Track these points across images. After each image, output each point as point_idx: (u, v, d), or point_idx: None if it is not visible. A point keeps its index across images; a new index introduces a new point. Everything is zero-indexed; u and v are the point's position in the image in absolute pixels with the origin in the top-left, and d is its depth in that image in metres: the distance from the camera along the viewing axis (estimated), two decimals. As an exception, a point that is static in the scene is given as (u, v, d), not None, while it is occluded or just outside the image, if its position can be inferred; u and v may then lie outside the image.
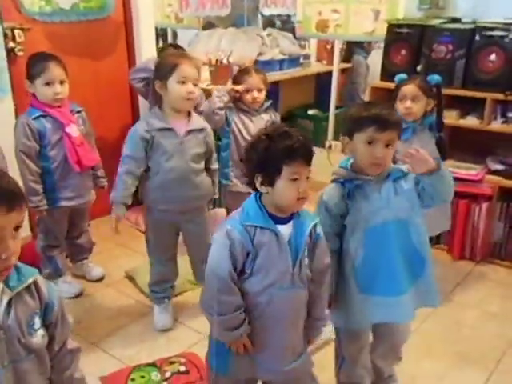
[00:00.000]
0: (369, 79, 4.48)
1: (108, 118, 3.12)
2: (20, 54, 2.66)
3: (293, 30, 4.35)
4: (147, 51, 3.30)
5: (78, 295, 2.56)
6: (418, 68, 2.86)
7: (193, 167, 2.14)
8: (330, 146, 3.91)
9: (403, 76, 2.40)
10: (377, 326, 1.75)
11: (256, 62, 3.89)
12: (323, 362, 2.05)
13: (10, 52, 2.63)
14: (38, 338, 1.08)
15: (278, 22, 4.81)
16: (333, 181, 1.61)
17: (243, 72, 2.66)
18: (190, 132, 2.11)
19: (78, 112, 2.44)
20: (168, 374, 1.95)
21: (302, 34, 3.87)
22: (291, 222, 1.40)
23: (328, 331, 2.13)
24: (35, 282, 1.09)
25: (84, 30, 3.02)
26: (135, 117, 3.39)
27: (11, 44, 2.63)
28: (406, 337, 1.82)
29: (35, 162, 2.30)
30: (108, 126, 3.11)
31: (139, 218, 3.35)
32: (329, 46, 4.35)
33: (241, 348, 1.42)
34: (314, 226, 1.44)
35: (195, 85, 2.05)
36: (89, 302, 2.52)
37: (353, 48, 4.64)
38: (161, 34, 4.37)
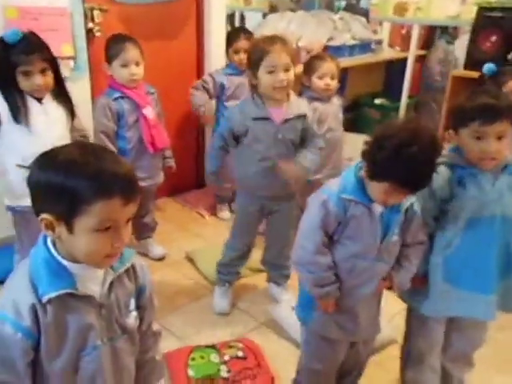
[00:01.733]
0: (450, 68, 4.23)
1: (175, 100, 3.12)
2: (98, 34, 2.70)
3: (365, 14, 4.21)
4: (217, 34, 3.26)
5: (160, 259, 2.64)
6: (510, 56, 2.67)
7: (288, 155, 2.05)
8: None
9: (492, 66, 2.21)
10: (453, 322, 1.65)
11: (326, 47, 3.79)
12: (386, 363, 1.98)
13: (89, 32, 2.67)
14: (132, 319, 1.10)
15: (342, 4, 4.62)
16: (440, 163, 1.48)
17: (317, 58, 2.59)
18: (286, 121, 2.02)
19: (152, 93, 2.47)
20: (227, 358, 1.93)
21: (377, 18, 3.71)
22: None
23: (390, 331, 2.06)
24: (133, 265, 1.10)
25: (159, 11, 3.02)
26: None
27: (90, 24, 2.67)
28: (481, 342, 1.70)
29: (114, 143, 2.36)
30: (175, 107, 3.12)
31: (200, 201, 3.37)
32: (403, 31, 4.16)
33: (327, 307, 1.48)
34: (411, 205, 1.43)
35: (287, 70, 1.94)
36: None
37: (436, 33, 4.38)
38: (228, 18, 4.33)
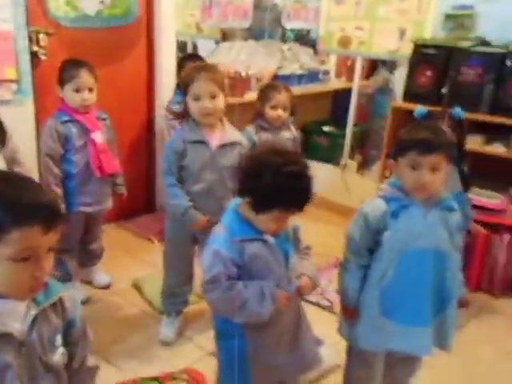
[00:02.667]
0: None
1: (125, 124, 3.10)
2: (43, 57, 2.66)
3: (312, 45, 4.35)
4: (168, 60, 3.29)
5: (85, 302, 2.50)
6: (443, 90, 2.81)
7: (222, 180, 2.08)
8: (344, 165, 3.86)
9: (423, 110, 2.31)
10: (390, 354, 1.68)
11: (275, 76, 3.88)
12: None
13: (34, 55, 2.63)
14: (58, 356, 1.05)
15: (291, 35, 4.76)
16: (378, 197, 1.57)
17: (272, 88, 2.63)
18: (222, 146, 2.05)
19: (103, 119, 2.45)
20: (171, 391, 1.90)
21: (323, 49, 3.84)
22: None
23: (333, 356, 2.09)
24: (61, 299, 1.05)
25: (106, 36, 3.02)
26: (151, 124, 3.38)
27: (35, 47, 2.63)
28: (417, 370, 1.75)
29: (58, 166, 2.32)
30: (125, 132, 3.10)
31: (150, 226, 3.32)
32: (349, 63, 4.32)
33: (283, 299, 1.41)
34: (293, 229, 1.47)
35: (213, 97, 1.98)
36: (94, 310, 2.46)
37: (376, 65, 4.57)
38: (180, 45, 4.36)
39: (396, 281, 1.52)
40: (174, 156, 2.05)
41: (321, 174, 3.74)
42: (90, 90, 2.32)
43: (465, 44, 2.86)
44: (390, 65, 4.26)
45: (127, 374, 2.03)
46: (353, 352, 1.71)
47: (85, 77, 2.29)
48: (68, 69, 2.30)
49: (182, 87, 2.05)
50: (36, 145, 2.64)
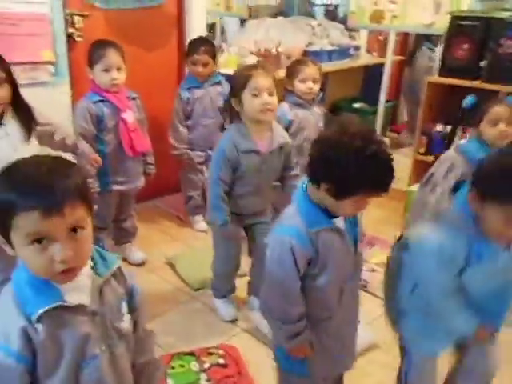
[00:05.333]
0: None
1: (155, 104, 3.11)
2: (78, 39, 2.69)
3: (341, 21, 4.27)
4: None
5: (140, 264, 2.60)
6: (482, 64, 2.73)
7: (268, 182, 2.13)
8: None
9: (472, 99, 2.21)
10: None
11: (305, 52, 3.83)
12: (366, 367, 2.01)
13: (69, 38, 2.66)
14: (127, 322, 1.09)
15: (319, 11, 4.67)
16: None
17: (299, 62, 2.61)
18: (272, 152, 2.06)
19: (134, 99, 2.48)
20: (207, 366, 1.94)
21: (354, 25, 3.76)
22: None
23: (369, 336, 2.10)
24: (119, 269, 1.09)
25: (139, 17, 3.02)
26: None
27: (71, 30, 2.66)
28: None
29: (92, 146, 2.36)
30: (155, 112, 3.11)
31: (180, 205, 3.36)
32: (381, 38, 4.23)
33: (302, 353, 1.40)
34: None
35: (271, 94, 1.96)
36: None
37: (420, 40, 4.45)
38: (209, 26, 4.32)
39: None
40: (227, 163, 2.01)
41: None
42: (119, 69, 2.34)
43: (504, 14, 2.76)
44: (433, 40, 4.16)
45: (165, 350, 2.07)
46: (411, 359, 1.62)
47: (112, 56, 2.31)
48: (96, 49, 2.33)
49: (235, 87, 2.00)
50: (72, 126, 2.68)
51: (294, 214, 1.31)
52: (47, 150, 1.97)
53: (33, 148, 1.86)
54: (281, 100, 2.58)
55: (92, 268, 1.02)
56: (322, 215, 1.29)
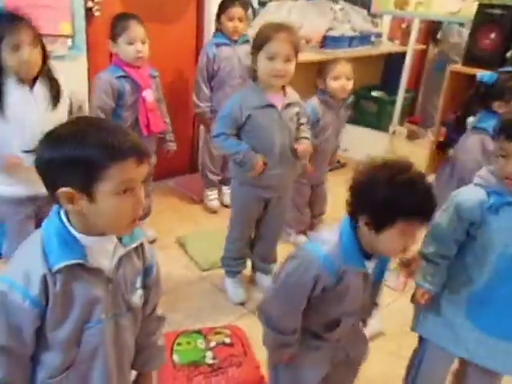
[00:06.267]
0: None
1: (172, 82, 3.10)
2: (97, 14, 2.68)
3: (364, 6, 4.19)
4: (216, 3, 3.20)
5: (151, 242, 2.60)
6: (508, 54, 2.66)
7: (290, 143, 2.08)
8: (393, 132, 3.77)
9: (492, 75, 2.10)
10: (467, 363, 1.55)
11: (325, 37, 3.78)
12: (373, 356, 1.99)
13: (88, 11, 2.65)
14: (137, 297, 1.11)
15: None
16: (475, 184, 1.40)
17: (330, 61, 2.55)
18: (287, 106, 2.04)
19: (154, 77, 2.46)
20: (213, 344, 1.95)
21: (378, 11, 3.70)
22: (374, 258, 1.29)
23: (377, 324, 2.09)
24: (141, 244, 1.11)
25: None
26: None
27: (90, 3, 2.64)
28: None
29: (109, 120, 2.34)
30: (171, 90, 3.10)
31: (193, 185, 3.37)
32: (404, 25, 4.15)
33: (281, 361, 1.41)
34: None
35: (287, 60, 1.93)
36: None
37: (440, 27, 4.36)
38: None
39: (489, 285, 1.39)
40: (230, 121, 2.01)
41: (369, 140, 3.68)
42: (143, 42, 2.32)
43: (536, 4, 2.70)
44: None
45: (173, 327, 2.09)
46: (427, 342, 1.58)
47: (136, 29, 2.30)
48: (119, 23, 2.31)
49: (255, 44, 1.99)
50: (88, 99, 2.68)
51: (334, 244, 1.25)
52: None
53: (58, 116, 1.80)
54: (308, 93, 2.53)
55: (118, 237, 1.05)
56: (359, 255, 1.25)
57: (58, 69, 2.24)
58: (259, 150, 2.03)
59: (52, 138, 0.95)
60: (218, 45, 2.83)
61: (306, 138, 2.14)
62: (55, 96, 1.83)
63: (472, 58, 2.76)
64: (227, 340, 1.98)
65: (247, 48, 2.70)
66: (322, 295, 1.28)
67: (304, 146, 2.10)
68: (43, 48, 1.78)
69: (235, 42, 2.83)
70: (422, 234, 1.28)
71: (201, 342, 1.96)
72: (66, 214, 0.99)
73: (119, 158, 0.93)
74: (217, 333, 2.02)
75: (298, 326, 1.35)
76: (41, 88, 1.81)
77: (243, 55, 2.77)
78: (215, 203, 3.15)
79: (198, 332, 2.01)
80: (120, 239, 1.05)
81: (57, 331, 1.00)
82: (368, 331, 1.90)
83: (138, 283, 1.11)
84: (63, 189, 0.93)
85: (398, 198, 1.14)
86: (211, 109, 2.88)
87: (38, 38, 1.75)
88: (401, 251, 1.21)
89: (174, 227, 2.89)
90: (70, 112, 1.95)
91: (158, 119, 2.46)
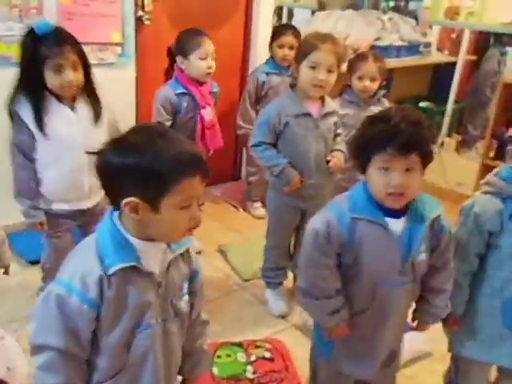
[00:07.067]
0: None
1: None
2: (147, 22, 2.72)
3: (413, 15, 4.12)
4: (264, 27, 3.24)
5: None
6: None
7: (327, 152, 2.06)
8: (442, 143, 3.66)
9: None
10: (502, 370, 1.53)
11: (372, 47, 3.71)
12: (419, 376, 1.93)
13: (138, 20, 2.69)
14: (184, 302, 1.12)
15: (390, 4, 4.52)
16: (486, 193, 1.38)
17: (359, 58, 2.48)
18: (324, 115, 2.03)
19: (214, 93, 2.46)
20: (253, 358, 1.92)
21: (428, 21, 3.62)
22: (406, 215, 1.25)
23: (424, 343, 2.01)
24: (188, 250, 1.13)
25: (206, 1, 3.02)
26: (243, 92, 3.36)
27: (140, 12, 2.69)
28: None
29: None
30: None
31: (235, 194, 3.36)
32: (453, 35, 4.04)
33: (339, 334, 1.37)
34: (437, 217, 1.28)
35: (330, 71, 1.92)
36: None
37: (488, 40, 4.24)
38: (276, 11, 4.28)
39: None
40: (268, 128, 2.00)
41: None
42: (213, 57, 2.33)
43: None
44: (504, 42, 3.95)
45: (212, 338, 2.06)
46: (461, 360, 1.55)
47: (209, 44, 2.31)
48: (192, 38, 2.31)
49: (299, 52, 2.00)
50: (135, 107, 2.72)
51: (345, 196, 1.32)
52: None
53: (101, 133, 1.81)
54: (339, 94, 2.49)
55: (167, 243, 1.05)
56: (371, 206, 1.25)
57: (107, 76, 2.28)
58: (295, 158, 2.02)
59: (122, 146, 0.95)
60: (268, 73, 2.89)
61: (339, 150, 2.10)
62: (97, 114, 1.83)
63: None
64: (267, 354, 1.95)
65: None
66: (345, 260, 1.29)
67: (335, 160, 2.06)
68: (87, 67, 1.78)
69: (286, 69, 2.84)
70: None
71: (241, 356, 1.93)
72: (119, 216, 1.00)
73: (190, 174, 0.95)
74: (257, 346, 1.99)
75: (339, 287, 1.33)
76: (83, 107, 1.81)
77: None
78: (261, 211, 3.14)
79: (239, 345, 1.98)
80: (168, 245, 1.06)
81: (109, 335, 1.00)
82: (413, 351, 1.84)
83: (185, 288, 1.12)
84: (130, 198, 0.94)
85: (366, 132, 1.22)
86: None
87: (82, 59, 1.75)
88: (388, 193, 1.20)
89: (216, 236, 2.88)
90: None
91: (215, 137, 2.45)
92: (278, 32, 2.91)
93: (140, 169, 0.92)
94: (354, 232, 1.25)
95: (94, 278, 0.96)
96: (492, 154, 3.07)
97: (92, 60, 2.47)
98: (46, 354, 0.97)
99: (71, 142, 1.76)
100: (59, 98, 1.76)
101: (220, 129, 2.73)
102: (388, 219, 1.24)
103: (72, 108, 1.79)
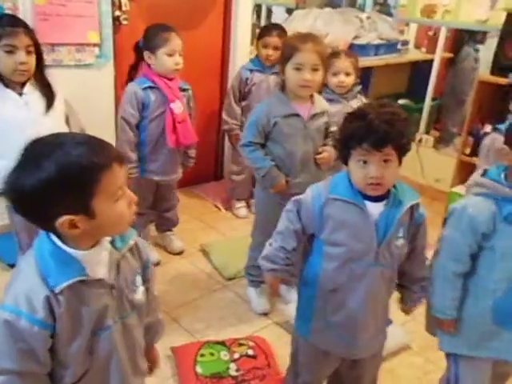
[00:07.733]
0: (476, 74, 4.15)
1: (198, 91, 3.09)
2: (124, 22, 2.70)
3: (390, 14, 4.16)
4: (243, 26, 3.26)
5: (155, 265, 2.54)
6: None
7: (314, 152, 2.08)
8: (420, 140, 3.71)
9: None
10: (501, 366, 1.54)
11: (351, 45, 3.74)
12: (398, 369, 1.96)
13: (115, 20, 2.67)
14: (140, 294, 1.12)
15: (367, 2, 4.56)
16: (477, 194, 1.39)
17: (333, 55, 2.51)
18: (313, 116, 2.04)
19: (185, 90, 2.43)
20: (236, 356, 1.93)
21: (404, 19, 3.66)
22: (385, 200, 1.33)
23: (403, 337, 2.05)
24: (135, 243, 1.13)
25: (185, 1, 3.01)
26: (223, 91, 3.37)
27: (117, 12, 2.67)
28: None
29: (134, 131, 2.32)
30: (197, 98, 3.11)
31: (217, 194, 3.36)
32: (431, 33, 4.10)
33: (272, 284, 1.51)
34: (416, 205, 1.36)
35: (314, 70, 1.94)
36: (164, 272, 2.52)
37: (463, 38, 4.30)
38: (255, 9, 4.29)
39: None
40: (257, 128, 2.03)
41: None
42: (180, 54, 2.30)
43: None
44: (477, 39, 4.01)
45: (195, 337, 2.08)
46: (459, 359, 1.53)
47: (177, 40, 2.28)
48: (159, 33, 2.27)
49: (283, 55, 2.02)
50: (114, 107, 2.70)
51: (328, 180, 1.41)
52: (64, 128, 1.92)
53: (53, 122, 1.82)
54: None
55: (110, 243, 1.05)
56: (351, 189, 1.33)
57: (85, 77, 2.27)
58: (282, 157, 2.05)
59: (32, 164, 0.90)
60: (251, 70, 2.93)
61: (332, 146, 2.11)
62: (48, 102, 1.84)
63: (500, 67, 2.72)
64: (250, 352, 1.96)
65: (277, 79, 2.72)
66: (321, 235, 1.38)
67: (325, 154, 2.09)
68: (40, 55, 1.81)
69: (270, 67, 2.89)
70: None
71: (225, 354, 1.94)
72: (57, 235, 0.97)
73: (105, 167, 0.93)
74: (240, 344, 2.00)
75: (291, 248, 1.45)
76: (32, 92, 1.82)
77: (272, 84, 2.83)
78: (243, 211, 3.17)
79: (222, 343, 1.99)
80: (113, 245, 1.06)
81: (70, 346, 1.00)
82: (392, 344, 1.87)
83: (139, 281, 1.12)
84: (63, 218, 0.91)
85: (344, 129, 1.31)
86: (239, 126, 2.97)
87: (36, 45, 1.78)
88: (367, 183, 1.29)
89: (198, 235, 2.88)
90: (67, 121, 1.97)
91: (187, 131, 2.41)
92: (263, 32, 2.94)
93: (54, 185, 0.88)
94: (328, 210, 1.35)
95: (40, 298, 0.94)
96: (468, 151, 3.12)
97: (69, 61, 2.51)
98: (3, 377, 0.97)
99: (18, 126, 1.72)
100: (6, 84, 1.78)
101: (201, 128, 2.74)
102: (367, 202, 1.32)
103: (20, 94, 1.80)
